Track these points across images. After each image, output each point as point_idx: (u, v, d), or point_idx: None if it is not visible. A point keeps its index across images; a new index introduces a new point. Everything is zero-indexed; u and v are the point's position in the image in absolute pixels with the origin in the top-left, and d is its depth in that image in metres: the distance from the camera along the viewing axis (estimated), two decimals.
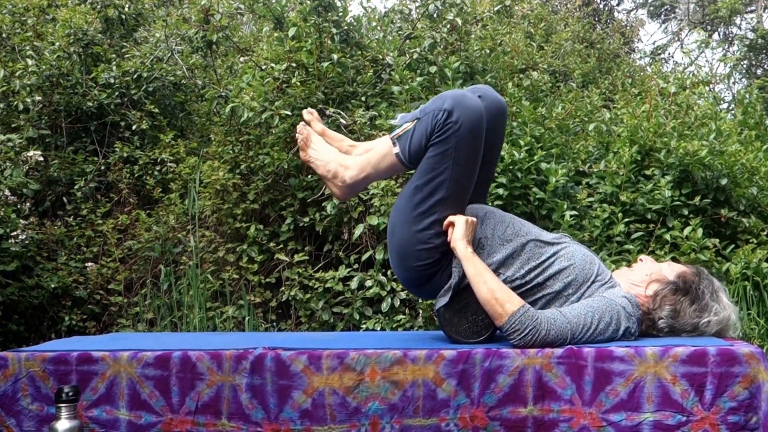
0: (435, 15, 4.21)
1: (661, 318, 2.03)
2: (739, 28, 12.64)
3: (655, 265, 2.12)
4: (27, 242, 3.78)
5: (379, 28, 4.68)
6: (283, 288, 3.63)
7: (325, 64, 3.84)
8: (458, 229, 1.97)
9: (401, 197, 2.07)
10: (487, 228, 2.05)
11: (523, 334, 1.83)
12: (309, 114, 2.37)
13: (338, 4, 4.03)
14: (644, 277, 2.08)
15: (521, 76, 4.46)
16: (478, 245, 2.03)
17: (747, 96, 4.92)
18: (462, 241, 1.96)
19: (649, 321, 2.04)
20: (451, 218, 2.00)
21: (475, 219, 2.03)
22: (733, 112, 5.98)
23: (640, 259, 2.16)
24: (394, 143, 2.05)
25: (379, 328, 3.40)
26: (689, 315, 2.01)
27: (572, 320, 1.87)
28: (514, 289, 1.96)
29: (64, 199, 4.32)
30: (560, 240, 2.08)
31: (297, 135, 2.30)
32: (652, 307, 2.04)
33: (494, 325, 1.97)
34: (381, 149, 2.11)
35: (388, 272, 3.45)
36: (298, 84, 3.82)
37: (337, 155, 2.23)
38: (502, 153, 3.42)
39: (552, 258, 2.00)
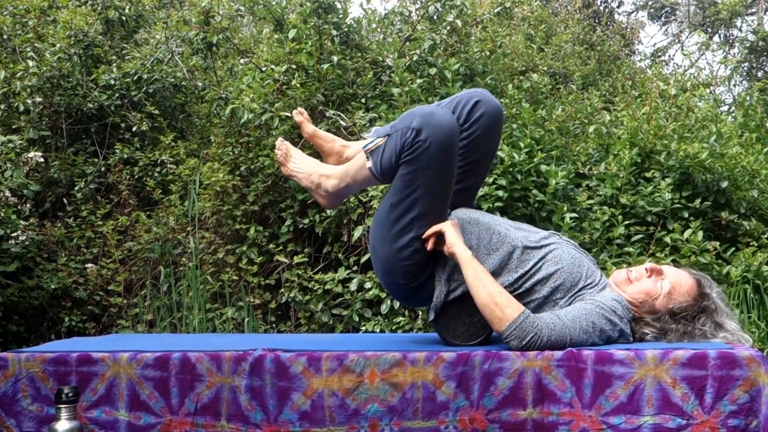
0: (435, 17, 4.21)
1: (646, 333, 2.00)
2: (740, 30, 12.66)
3: (655, 288, 2.02)
4: (27, 243, 3.78)
5: (379, 29, 4.68)
6: (282, 289, 3.63)
7: (325, 66, 3.84)
8: (450, 234, 1.95)
9: (378, 213, 2.05)
10: (471, 237, 2.01)
11: (524, 342, 1.82)
12: (299, 115, 2.36)
13: (338, 6, 4.04)
14: (637, 303, 2.02)
15: (521, 77, 4.47)
16: None
17: (747, 98, 4.92)
18: (460, 244, 1.94)
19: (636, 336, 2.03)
20: (434, 228, 1.97)
21: (456, 221, 2.01)
22: (733, 114, 5.99)
23: (646, 268, 2.06)
24: (367, 157, 2.02)
25: (378, 330, 3.39)
26: (697, 338, 1.99)
27: (569, 324, 1.86)
28: None
29: (65, 200, 4.32)
30: (548, 241, 2.03)
31: (276, 151, 2.29)
32: (636, 328, 2.02)
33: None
34: (357, 161, 2.09)
35: None
36: (298, 86, 3.82)
37: (318, 166, 2.22)
38: (503, 155, 3.42)
39: (540, 263, 1.97)
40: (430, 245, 1.97)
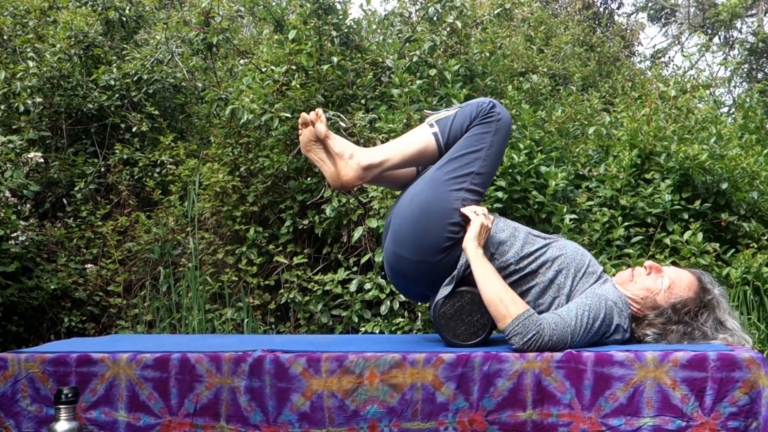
0: (435, 18, 4.21)
1: (647, 335, 2.02)
2: (740, 31, 12.66)
3: (656, 284, 2.05)
4: (27, 243, 3.78)
5: (378, 30, 4.68)
6: (282, 290, 3.62)
7: (325, 67, 3.84)
8: (473, 229, 1.99)
9: (431, 171, 2.10)
10: None
11: (526, 338, 1.83)
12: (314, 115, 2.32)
13: (338, 7, 4.04)
14: (639, 300, 2.05)
15: (521, 79, 4.47)
16: None
17: (747, 100, 4.92)
18: (474, 242, 1.97)
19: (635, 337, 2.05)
20: (473, 210, 2.01)
21: (490, 225, 2.02)
22: (733, 116, 5.99)
23: (645, 266, 2.10)
24: (432, 125, 2.11)
25: (378, 331, 3.39)
26: (697, 339, 2.00)
27: (570, 323, 1.88)
28: (509, 275, 1.99)
29: (64, 200, 4.32)
30: (552, 236, 2.14)
31: (317, 114, 2.15)
32: (637, 329, 2.04)
33: (490, 325, 1.97)
34: (411, 135, 2.15)
35: None
36: (298, 86, 3.82)
37: (349, 143, 2.20)
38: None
39: (545, 248, 2.04)
40: (465, 212, 2.02)
